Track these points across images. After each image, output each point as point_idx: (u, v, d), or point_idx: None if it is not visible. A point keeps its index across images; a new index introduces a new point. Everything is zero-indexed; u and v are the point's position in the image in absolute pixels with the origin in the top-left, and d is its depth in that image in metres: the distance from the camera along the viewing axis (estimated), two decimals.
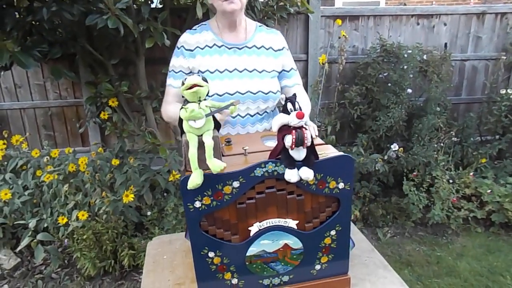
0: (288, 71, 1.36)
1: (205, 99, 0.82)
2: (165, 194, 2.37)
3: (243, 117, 1.27)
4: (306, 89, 2.79)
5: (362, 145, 2.68)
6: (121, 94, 2.32)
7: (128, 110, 2.46)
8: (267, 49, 1.31)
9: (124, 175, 2.23)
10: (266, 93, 1.27)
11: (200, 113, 0.77)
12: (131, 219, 2.21)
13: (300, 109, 0.80)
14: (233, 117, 1.25)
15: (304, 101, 1.35)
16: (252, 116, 1.28)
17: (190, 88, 0.78)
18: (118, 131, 2.41)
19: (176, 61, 1.27)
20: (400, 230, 2.58)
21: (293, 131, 0.76)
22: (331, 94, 2.86)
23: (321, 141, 1.02)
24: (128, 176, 2.24)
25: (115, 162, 2.24)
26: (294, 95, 0.81)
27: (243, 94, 1.24)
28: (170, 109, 1.27)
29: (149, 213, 2.24)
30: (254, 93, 1.25)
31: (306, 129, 0.79)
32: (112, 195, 2.14)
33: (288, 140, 0.76)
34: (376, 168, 2.55)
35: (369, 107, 2.80)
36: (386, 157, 2.60)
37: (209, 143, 0.77)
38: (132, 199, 2.06)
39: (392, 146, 2.60)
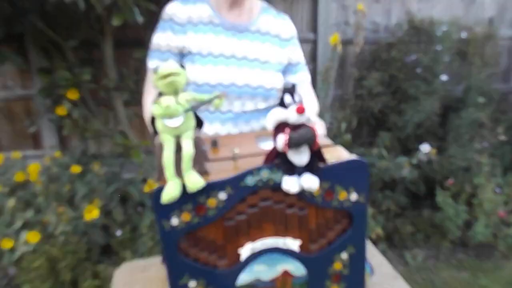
0: (295, 65, 1.39)
1: (183, 91, 0.83)
2: (139, 208, 2.38)
3: (235, 113, 1.28)
4: (314, 76, 2.80)
5: (384, 146, 2.69)
6: (83, 84, 2.33)
7: (93, 104, 2.47)
8: (273, 36, 1.33)
9: (87, 185, 2.24)
10: (268, 89, 1.29)
11: (177, 109, 0.78)
12: (96, 240, 2.22)
13: (301, 102, 0.81)
14: (223, 113, 1.27)
15: (310, 101, 1.37)
16: (246, 113, 1.30)
17: (165, 78, 0.79)
18: (79, 131, 2.42)
19: (163, 38, 1.26)
20: (434, 252, 2.60)
21: (286, 129, 0.77)
22: (345, 82, 2.87)
23: (328, 142, 1.03)
24: (92, 187, 2.24)
25: (76, 169, 2.25)
26: (293, 86, 0.82)
27: (240, 86, 1.25)
28: (149, 102, 1.29)
29: (119, 232, 2.25)
30: (254, 88, 1.27)
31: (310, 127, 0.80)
32: (71, 211, 2.14)
33: (280, 140, 0.78)
34: (403, 175, 2.56)
35: (394, 99, 2.81)
36: (415, 161, 2.62)
37: (187, 151, 0.78)
38: (97, 216, 2.07)
39: (422, 147, 2.62)
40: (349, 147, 2.80)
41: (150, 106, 1.28)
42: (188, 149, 0.78)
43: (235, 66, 1.26)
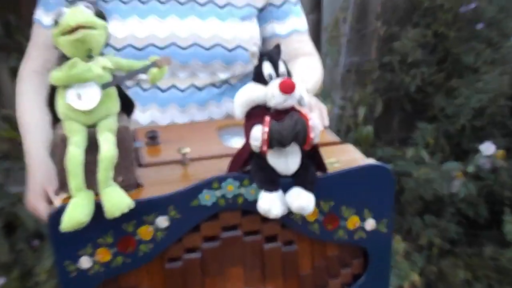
0: (278, 6, 1.39)
1: (102, 54, 0.82)
2: (34, 242, 2.36)
3: (182, 90, 1.28)
4: (317, 34, 2.81)
5: (425, 144, 2.72)
6: None
7: None
8: None
9: None
10: (231, 50, 1.29)
11: (91, 70, 0.77)
12: None
13: (289, 74, 0.81)
14: (163, 91, 1.27)
15: (307, 66, 1.38)
16: (200, 89, 1.30)
17: (72, 32, 0.78)
18: None
19: None
20: None
21: (266, 116, 0.77)
22: (366, 44, 2.88)
23: (334, 137, 1.04)
24: None
25: None
26: (277, 47, 0.82)
27: (184, 47, 1.26)
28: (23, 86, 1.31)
29: (1, 280, 2.23)
30: (207, 48, 1.27)
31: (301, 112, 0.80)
32: None
33: (256, 134, 0.77)
34: (453, 190, 2.58)
35: (440, 71, 2.84)
36: (472, 169, 2.64)
37: (107, 150, 0.77)
38: None
39: (483, 148, 2.64)
40: (369, 146, 2.81)
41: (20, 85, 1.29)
42: (107, 147, 0.77)
43: (175, 16, 1.26)
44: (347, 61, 2.78)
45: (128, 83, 1.21)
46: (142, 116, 1.27)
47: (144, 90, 1.26)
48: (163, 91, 1.27)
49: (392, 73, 2.85)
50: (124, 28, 1.22)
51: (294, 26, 1.42)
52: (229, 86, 1.33)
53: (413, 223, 2.70)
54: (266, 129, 0.76)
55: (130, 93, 0.87)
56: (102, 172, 0.76)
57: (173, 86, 1.27)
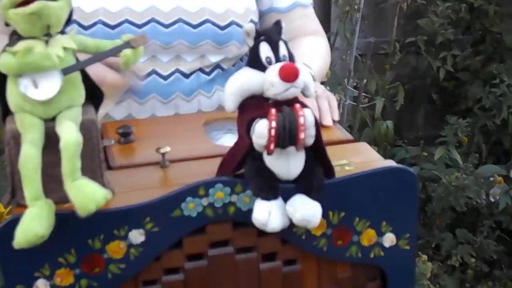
0: None
1: (63, 32, 0.82)
2: None
3: (165, 77, 1.28)
4: (326, 7, 2.81)
5: (457, 143, 2.71)
6: None
7: None
8: None
9: None
10: (223, 27, 1.29)
11: (50, 58, 0.77)
12: None
13: (291, 58, 0.81)
14: (142, 78, 1.26)
15: (311, 47, 1.39)
16: (187, 76, 1.30)
17: (25, 3, 0.78)
18: None
19: None
20: None
21: (272, 110, 0.77)
22: (385, 21, 2.88)
23: (344, 135, 1.05)
24: None
25: None
26: (277, 25, 0.82)
27: (167, 26, 1.26)
28: None
29: None
30: (195, 26, 1.27)
31: (304, 105, 0.80)
32: None
33: (261, 130, 0.76)
34: (492, 200, 2.58)
35: (477, 53, 2.83)
36: None
37: (70, 136, 0.76)
38: None
39: None
40: (389, 146, 2.79)
41: None
42: (70, 132, 0.75)
43: None
44: (362, 42, 2.77)
45: None
46: (116, 109, 1.26)
47: None
48: (141, 78, 1.26)
49: (417, 56, 2.86)
50: (88, 1, 1.21)
51: None
52: (221, 72, 1.34)
53: (442, 239, 2.70)
54: (274, 124, 0.75)
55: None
56: (67, 163, 0.74)
57: (154, 72, 1.27)
